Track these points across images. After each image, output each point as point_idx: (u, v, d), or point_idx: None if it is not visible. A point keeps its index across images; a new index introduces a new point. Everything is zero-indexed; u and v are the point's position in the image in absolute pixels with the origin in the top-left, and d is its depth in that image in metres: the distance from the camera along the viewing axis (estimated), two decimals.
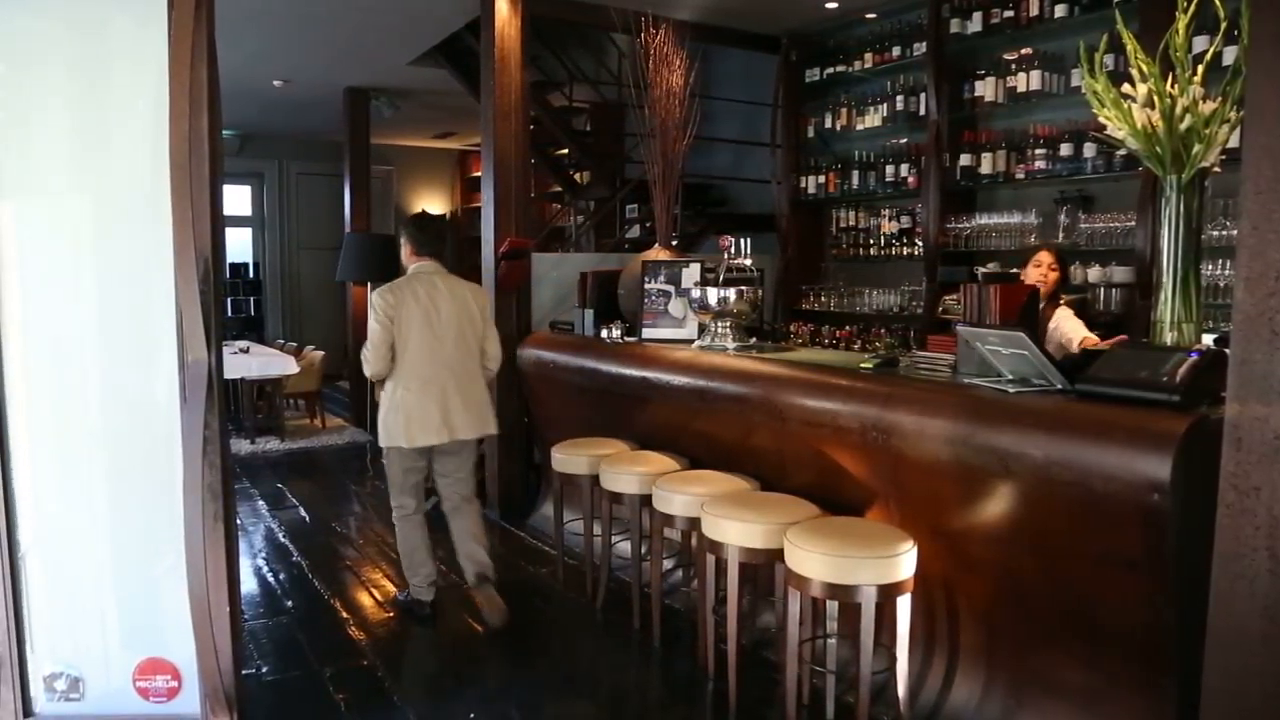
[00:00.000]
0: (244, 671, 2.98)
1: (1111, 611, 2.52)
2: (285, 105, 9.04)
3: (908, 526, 2.93)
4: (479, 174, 7.99)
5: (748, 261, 4.16)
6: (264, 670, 3.55)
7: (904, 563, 2.74)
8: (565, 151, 8.75)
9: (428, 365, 3.85)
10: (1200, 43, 3.64)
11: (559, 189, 9.58)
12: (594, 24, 5.96)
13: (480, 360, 4.02)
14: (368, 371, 3.96)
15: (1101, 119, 2.73)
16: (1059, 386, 2.70)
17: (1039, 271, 4.14)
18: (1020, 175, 5.09)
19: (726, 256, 4.13)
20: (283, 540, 5.26)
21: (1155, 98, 2.56)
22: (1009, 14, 4.99)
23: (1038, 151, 4.96)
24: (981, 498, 2.76)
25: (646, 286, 4.63)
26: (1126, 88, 2.65)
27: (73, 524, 2.76)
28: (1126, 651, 2.51)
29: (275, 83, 8.05)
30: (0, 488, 2.65)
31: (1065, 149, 4.83)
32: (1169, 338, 2.67)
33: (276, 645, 3.80)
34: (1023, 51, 5.03)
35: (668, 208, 5.04)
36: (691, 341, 4.34)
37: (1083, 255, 4.83)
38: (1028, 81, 4.97)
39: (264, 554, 5.02)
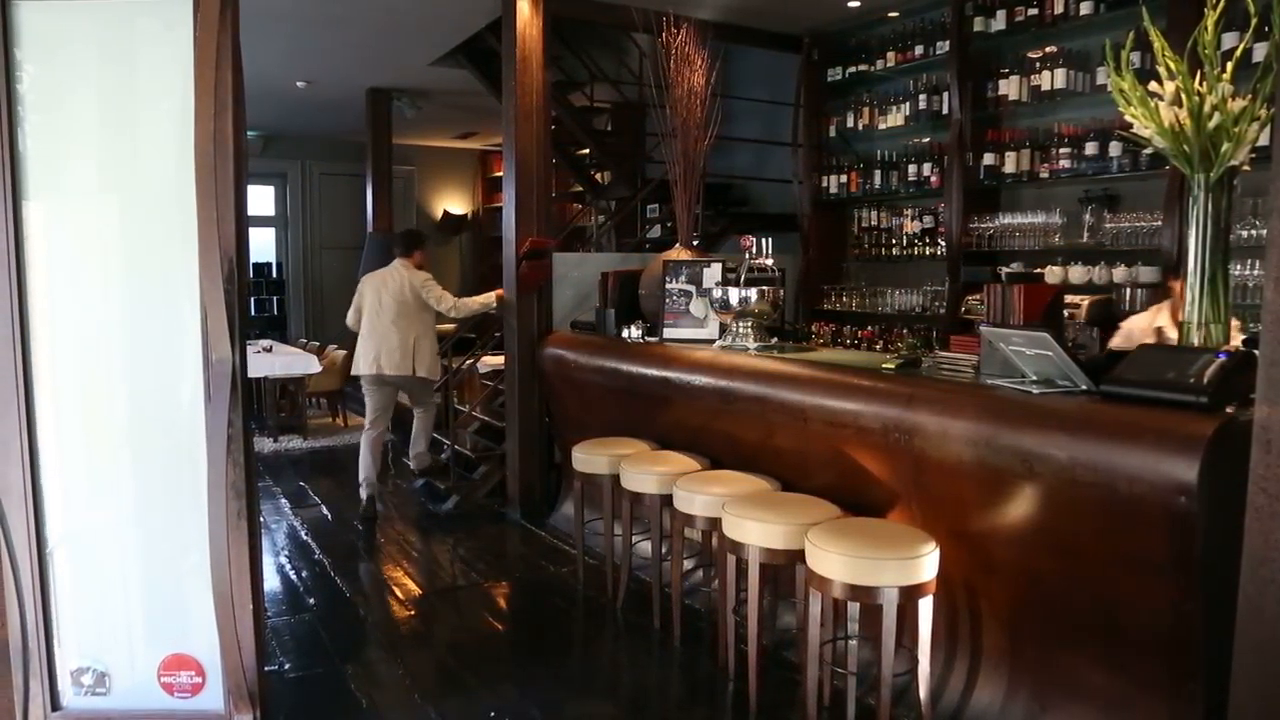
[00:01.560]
0: (267, 668, 3.00)
1: (1137, 615, 2.50)
2: (308, 106, 9.10)
3: (930, 528, 2.92)
4: (500, 174, 8.03)
5: (769, 261, 4.15)
6: (286, 667, 3.58)
7: (926, 564, 2.72)
8: (586, 151, 8.76)
9: (371, 325, 5.73)
10: (1229, 39, 3.61)
11: (580, 189, 9.60)
12: (615, 24, 5.96)
13: (421, 323, 5.77)
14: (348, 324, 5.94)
15: (1128, 117, 2.70)
16: (1083, 387, 2.67)
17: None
18: (1044, 174, 5.05)
19: (748, 256, 4.12)
20: (305, 538, 5.30)
21: (1183, 95, 2.53)
22: (1033, 12, 4.95)
23: (1062, 150, 4.91)
24: (1004, 499, 2.74)
25: (668, 286, 4.63)
26: (1153, 85, 2.62)
27: (99, 521, 2.80)
28: (1153, 655, 2.48)
29: (298, 84, 8.11)
30: (29, 485, 2.68)
31: (1090, 148, 4.78)
32: (1196, 338, 2.63)
33: (299, 642, 3.82)
34: (1047, 49, 4.99)
35: (689, 207, 5.03)
36: (713, 341, 4.33)
37: (1108, 255, 4.78)
38: (1052, 80, 4.92)
39: (286, 552, 5.06)
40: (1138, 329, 3.77)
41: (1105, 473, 2.39)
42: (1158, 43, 2.61)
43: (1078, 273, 4.83)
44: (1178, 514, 2.24)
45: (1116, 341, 3.62)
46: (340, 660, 3.63)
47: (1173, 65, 2.55)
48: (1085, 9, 4.70)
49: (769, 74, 7.08)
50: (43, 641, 2.74)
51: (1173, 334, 3.69)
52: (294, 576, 4.66)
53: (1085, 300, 4.26)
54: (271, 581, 4.54)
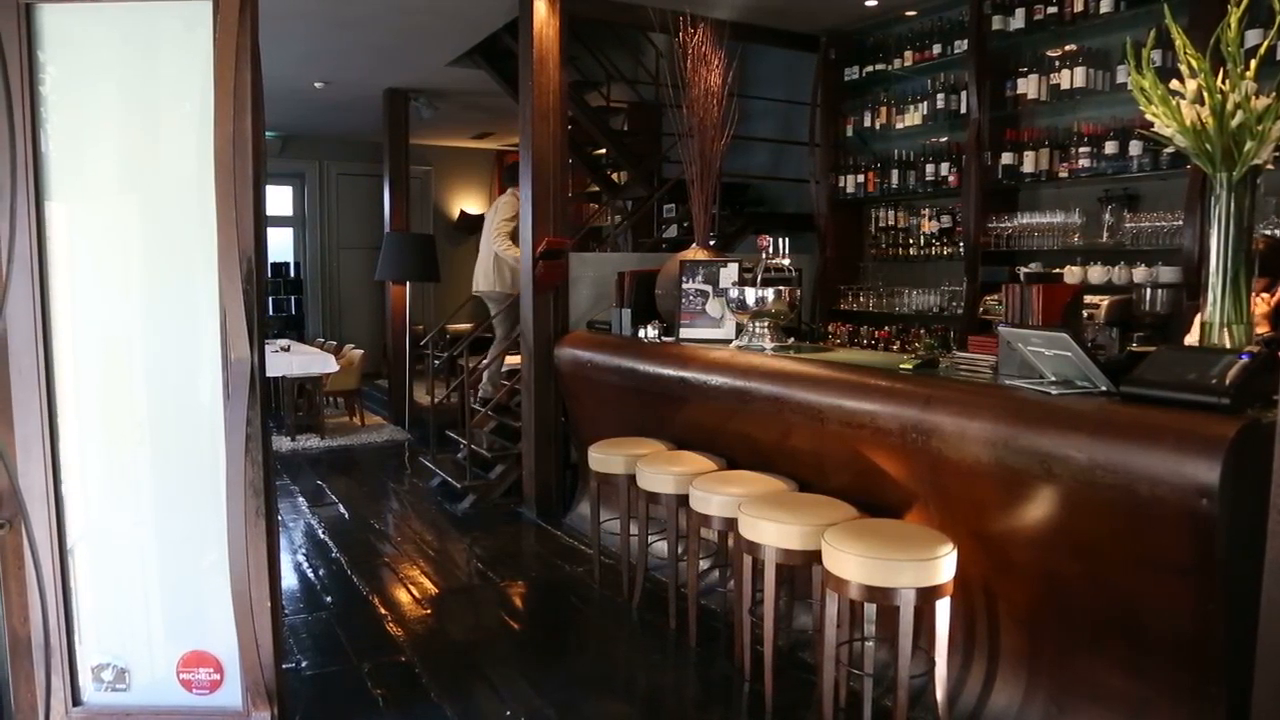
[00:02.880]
0: (284, 665, 3.01)
1: (1158, 618, 2.47)
2: (326, 106, 9.15)
3: (947, 529, 2.90)
4: None
5: (786, 261, 4.14)
6: (304, 664, 3.60)
7: (943, 565, 2.71)
8: (603, 151, 8.76)
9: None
10: (1253, 36, 3.57)
11: (597, 189, 9.60)
12: (632, 24, 5.96)
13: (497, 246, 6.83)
14: None
15: (1149, 116, 2.68)
16: (1103, 389, 2.65)
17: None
18: (1063, 174, 5.01)
19: (764, 256, 4.11)
20: (322, 537, 5.33)
21: (1205, 94, 2.50)
22: (1053, 10, 4.92)
23: (1082, 149, 4.87)
24: (1023, 501, 2.72)
25: (684, 286, 4.63)
26: (1175, 84, 2.60)
27: (119, 519, 2.82)
28: (1174, 659, 2.46)
29: (316, 84, 8.15)
30: (51, 483, 2.71)
31: (1110, 147, 4.74)
32: (1218, 339, 2.61)
33: (316, 640, 3.84)
34: (1067, 48, 4.95)
35: (705, 207, 5.02)
36: (729, 341, 4.32)
37: (1128, 255, 4.75)
38: (1072, 78, 4.89)
39: (304, 550, 5.08)
40: None
41: (1125, 474, 2.37)
42: (1179, 40, 2.58)
43: (1097, 273, 4.80)
44: (1199, 516, 2.22)
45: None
46: (357, 658, 3.65)
47: (1195, 63, 2.52)
48: (1105, 7, 4.66)
49: (786, 73, 7.06)
50: (64, 637, 2.77)
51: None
52: (311, 575, 4.68)
53: (1105, 300, 4.25)
54: (289, 579, 4.56)
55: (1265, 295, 3.46)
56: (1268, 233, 3.91)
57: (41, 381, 2.67)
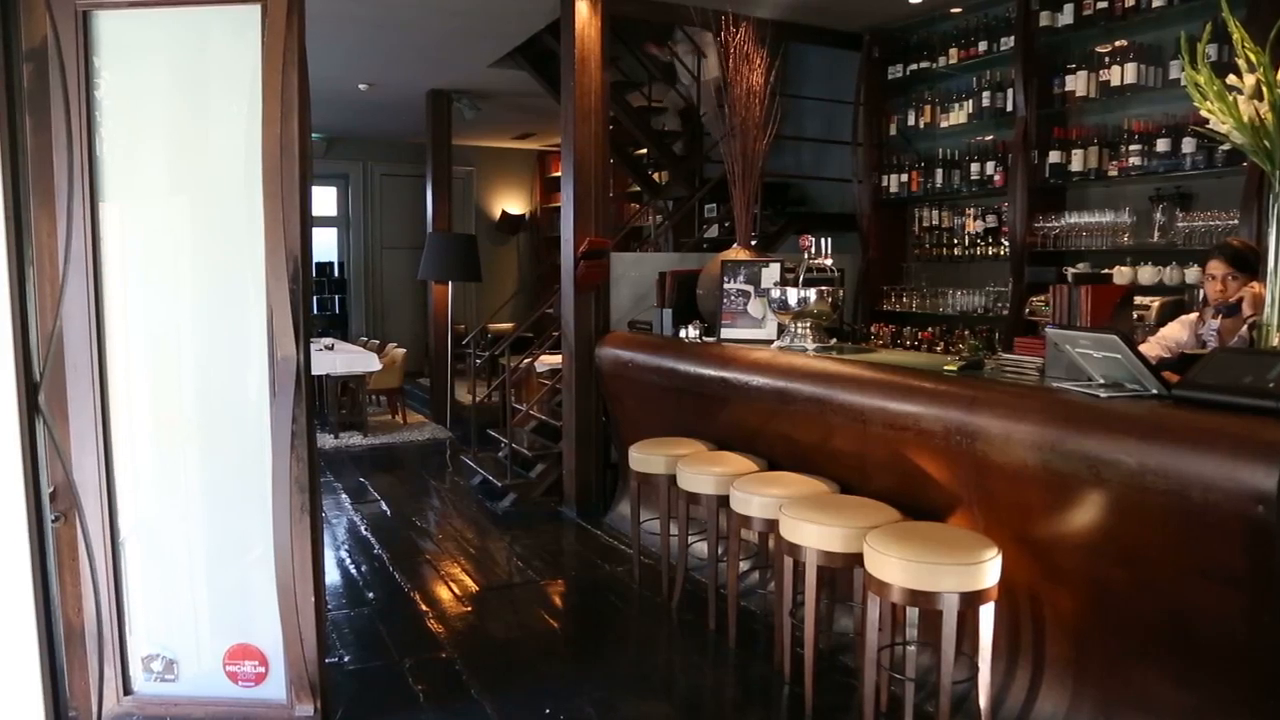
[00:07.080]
0: (327, 660, 3.05)
1: (1210, 628, 2.41)
2: (370, 108, 9.25)
3: (992, 533, 2.86)
4: (559, 174, 8.08)
5: (828, 261, 4.11)
6: (346, 659, 3.64)
7: (988, 570, 2.67)
8: (644, 151, 8.76)
9: None
10: None
11: (638, 188, 9.60)
12: (674, 23, 5.95)
13: None
14: None
15: (1203, 112, 2.62)
16: (1154, 391, 2.60)
17: (1214, 286, 3.42)
18: (1113, 172, 4.91)
19: (807, 256, 4.08)
20: (365, 533, 5.39)
21: (1264, 88, 2.44)
22: (1103, 4, 4.82)
23: (1132, 147, 4.77)
24: (1070, 505, 2.67)
25: (725, 286, 4.61)
26: (1231, 79, 2.53)
27: (168, 513, 2.88)
28: (1226, 670, 2.40)
29: (360, 86, 8.25)
30: (104, 477, 2.77)
31: (1162, 144, 4.64)
32: (1276, 341, 2.54)
33: (358, 635, 3.89)
34: (1117, 43, 4.85)
35: (747, 207, 5.00)
36: (771, 342, 4.30)
37: (1180, 255, 4.65)
38: (1122, 75, 4.79)
39: (347, 546, 5.14)
40: (1172, 340, 3.54)
41: (1177, 480, 2.32)
42: (1237, 34, 2.52)
43: (1147, 273, 4.70)
44: (1255, 524, 2.16)
45: (1155, 351, 3.48)
46: (398, 654, 3.68)
47: (1253, 57, 2.46)
48: (1157, 1, 4.57)
49: (829, 72, 7.01)
50: (115, 628, 2.83)
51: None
52: (354, 571, 4.74)
53: (1155, 301, 4.16)
54: (332, 575, 4.62)
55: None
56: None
57: (95, 377, 2.74)
